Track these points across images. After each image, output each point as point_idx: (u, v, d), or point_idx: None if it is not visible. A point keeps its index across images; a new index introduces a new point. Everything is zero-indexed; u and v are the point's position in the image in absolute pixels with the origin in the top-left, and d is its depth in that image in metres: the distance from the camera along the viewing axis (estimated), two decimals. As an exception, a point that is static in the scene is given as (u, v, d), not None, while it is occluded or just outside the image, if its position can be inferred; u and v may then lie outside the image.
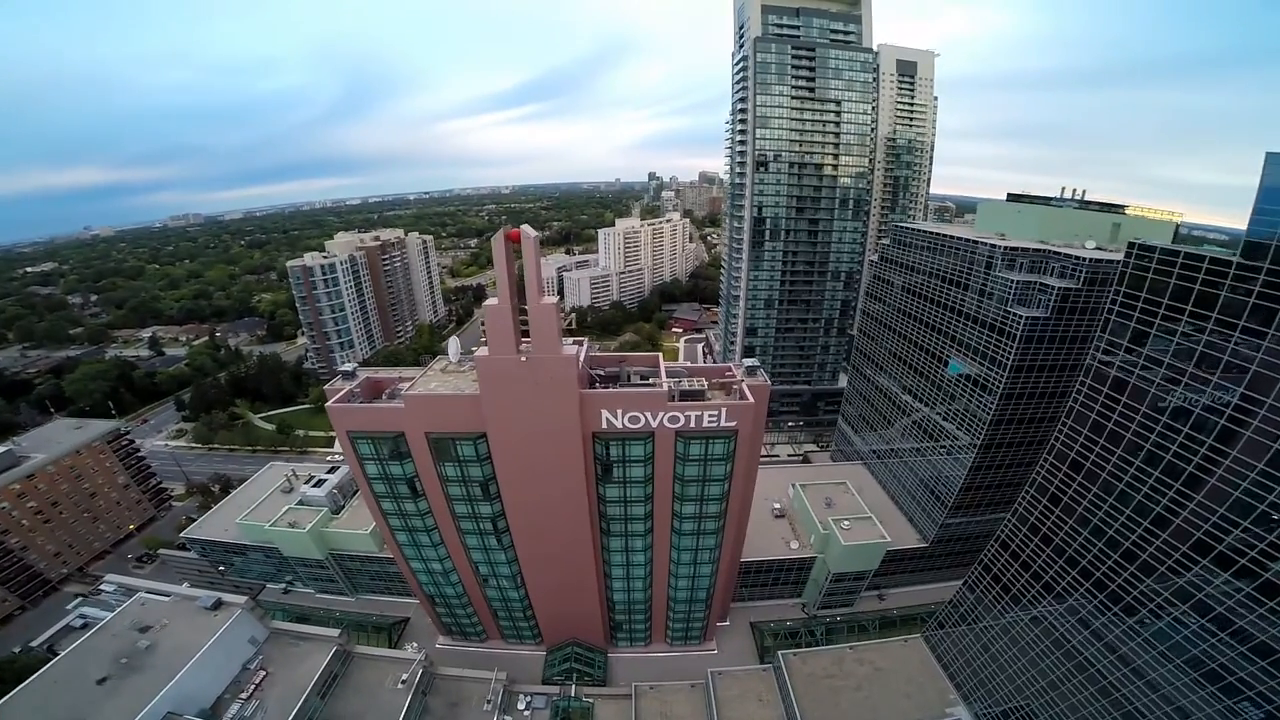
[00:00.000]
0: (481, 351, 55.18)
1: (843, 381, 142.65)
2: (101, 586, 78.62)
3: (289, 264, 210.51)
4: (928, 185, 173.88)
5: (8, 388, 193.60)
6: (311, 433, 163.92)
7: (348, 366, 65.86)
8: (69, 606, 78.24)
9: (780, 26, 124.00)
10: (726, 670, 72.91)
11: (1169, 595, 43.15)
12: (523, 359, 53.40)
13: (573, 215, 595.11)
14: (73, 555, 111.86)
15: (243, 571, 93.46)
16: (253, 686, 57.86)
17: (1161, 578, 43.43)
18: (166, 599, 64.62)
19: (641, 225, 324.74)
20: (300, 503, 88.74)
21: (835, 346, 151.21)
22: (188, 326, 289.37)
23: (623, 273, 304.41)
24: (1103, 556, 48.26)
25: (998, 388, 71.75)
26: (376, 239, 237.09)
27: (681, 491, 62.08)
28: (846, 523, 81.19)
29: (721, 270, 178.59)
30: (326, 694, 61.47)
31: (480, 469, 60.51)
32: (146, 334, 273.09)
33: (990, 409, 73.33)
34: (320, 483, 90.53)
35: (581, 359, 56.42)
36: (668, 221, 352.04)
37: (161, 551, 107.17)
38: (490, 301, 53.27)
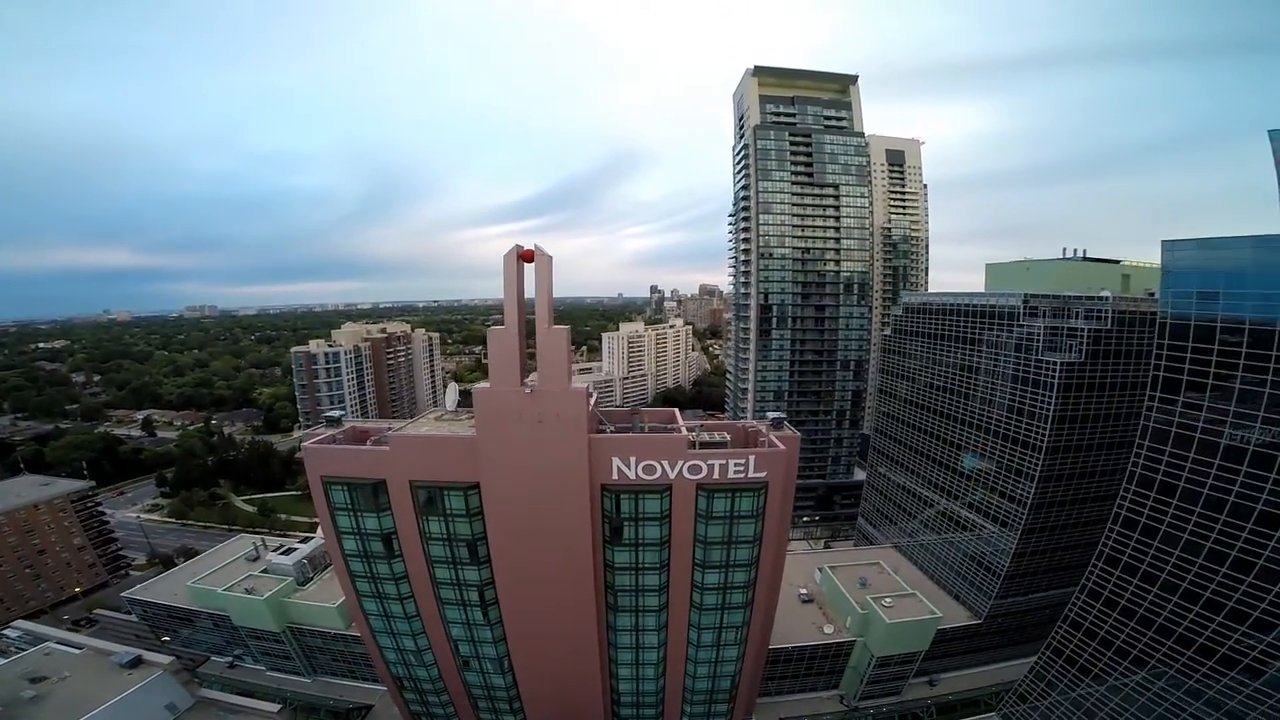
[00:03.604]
0: (481, 385, 50.66)
1: (859, 475, 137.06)
2: (5, 632, 68.56)
3: (293, 350, 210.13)
4: (926, 274, 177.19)
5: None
6: (295, 517, 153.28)
7: (335, 413, 60.64)
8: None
9: (778, 115, 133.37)
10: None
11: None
12: (527, 391, 48.87)
13: (577, 327, 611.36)
14: (0, 610, 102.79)
15: (188, 642, 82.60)
16: (157, 759, 47.47)
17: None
18: (76, 651, 56.32)
19: (645, 330, 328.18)
20: (264, 571, 79.58)
21: (849, 439, 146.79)
22: (185, 412, 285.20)
23: (626, 378, 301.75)
24: (1231, 584, 42.87)
25: (1041, 442, 67.02)
26: (383, 330, 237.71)
27: (703, 557, 54.01)
28: (889, 600, 72.27)
29: (727, 375, 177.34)
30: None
31: (469, 526, 52.84)
32: (141, 415, 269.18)
33: (1037, 466, 68.00)
34: (290, 551, 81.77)
35: (591, 403, 51.69)
36: (671, 327, 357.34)
37: (97, 612, 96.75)
38: (496, 328, 49.89)
